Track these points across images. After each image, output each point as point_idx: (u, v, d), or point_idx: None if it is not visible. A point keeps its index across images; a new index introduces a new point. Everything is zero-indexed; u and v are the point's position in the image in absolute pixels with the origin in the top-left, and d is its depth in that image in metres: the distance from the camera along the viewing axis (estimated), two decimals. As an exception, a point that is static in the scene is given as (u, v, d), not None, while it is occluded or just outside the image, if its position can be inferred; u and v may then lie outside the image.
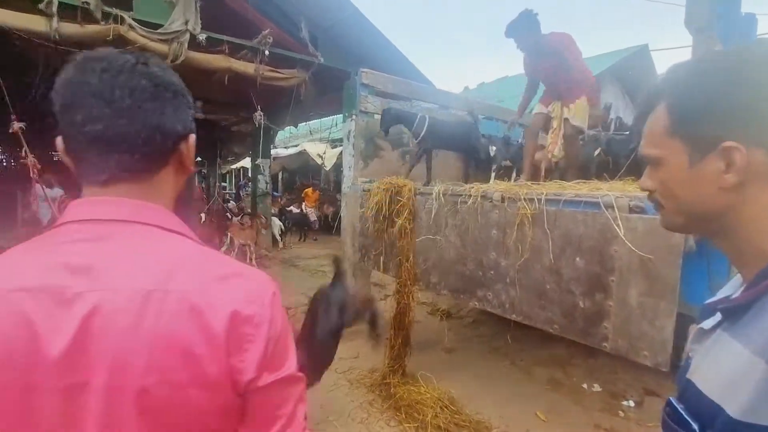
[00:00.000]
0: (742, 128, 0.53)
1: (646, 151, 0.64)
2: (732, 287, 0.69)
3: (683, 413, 0.59)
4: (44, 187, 5.88)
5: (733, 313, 0.57)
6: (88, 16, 3.90)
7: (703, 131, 0.56)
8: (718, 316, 0.60)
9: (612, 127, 9.24)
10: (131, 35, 4.00)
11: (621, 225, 2.07)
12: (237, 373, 0.53)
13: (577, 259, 2.29)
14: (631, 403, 3.36)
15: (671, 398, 0.63)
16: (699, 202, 0.59)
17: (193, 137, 0.66)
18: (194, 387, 0.51)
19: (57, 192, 5.84)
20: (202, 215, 6.92)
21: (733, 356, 0.53)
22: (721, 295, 0.70)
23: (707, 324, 0.62)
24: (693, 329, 0.69)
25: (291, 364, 0.60)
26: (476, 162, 4.48)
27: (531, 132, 3.96)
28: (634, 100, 9.49)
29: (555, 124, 3.54)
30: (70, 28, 3.82)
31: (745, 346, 0.51)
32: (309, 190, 11.45)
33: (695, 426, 0.56)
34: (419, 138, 3.84)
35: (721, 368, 0.55)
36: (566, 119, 3.40)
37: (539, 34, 3.37)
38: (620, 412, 3.27)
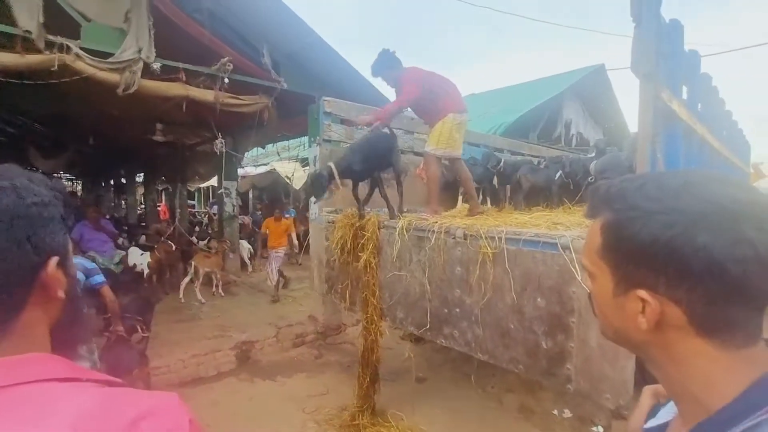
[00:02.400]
0: (666, 282, 0.50)
1: (582, 260, 0.62)
2: (669, 412, 0.66)
3: None
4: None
5: None
6: (30, 46, 3.67)
7: (626, 269, 0.53)
8: None
9: (573, 141, 9.60)
10: (78, 65, 3.78)
11: (578, 267, 2.07)
12: None
13: (538, 299, 2.29)
14: (600, 429, 3.39)
15: None
16: (622, 329, 0.57)
17: (54, 261, 0.56)
18: None
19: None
20: (171, 243, 6.65)
21: None
22: (660, 419, 0.67)
23: None
24: None
25: None
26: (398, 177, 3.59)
27: None
28: (594, 116, 9.88)
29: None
30: (9, 58, 3.57)
31: None
32: (270, 221, 7.06)
33: None
34: (340, 180, 3.25)
35: None
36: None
37: (400, 69, 3.45)
38: (590, 439, 3.29)
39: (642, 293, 0.51)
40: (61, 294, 0.57)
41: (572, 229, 2.44)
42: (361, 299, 3.37)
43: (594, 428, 3.42)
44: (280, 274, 7.00)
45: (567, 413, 3.63)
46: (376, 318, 3.27)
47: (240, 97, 4.84)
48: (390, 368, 4.34)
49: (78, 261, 3.38)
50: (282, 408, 3.70)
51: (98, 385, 0.55)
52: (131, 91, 4.07)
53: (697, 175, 0.53)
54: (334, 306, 5.17)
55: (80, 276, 3.26)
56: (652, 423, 0.68)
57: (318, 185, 3.20)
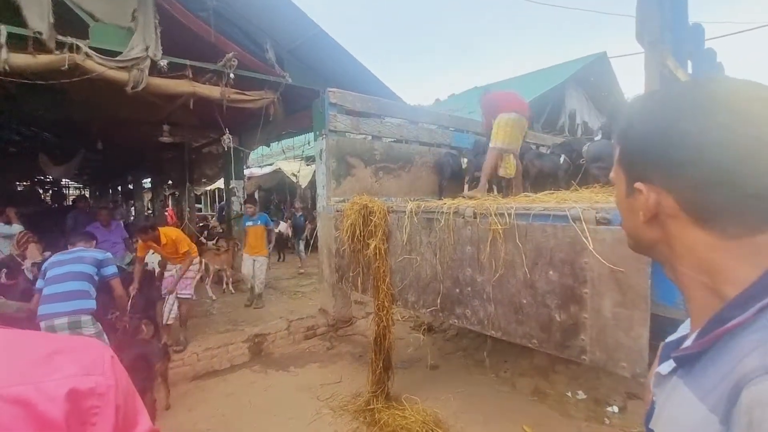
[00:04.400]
0: (658, 173, 0.54)
1: (611, 175, 0.67)
2: (687, 326, 0.67)
3: None
4: (2, 223, 5.59)
5: (687, 362, 0.56)
6: (40, 46, 3.75)
7: (633, 168, 0.59)
8: (672, 362, 0.59)
9: (579, 131, 9.56)
10: (88, 64, 3.85)
11: (589, 237, 2.08)
12: None
13: (550, 272, 2.30)
14: (615, 409, 3.38)
15: None
16: (633, 229, 0.62)
17: None
18: None
19: (16, 228, 5.52)
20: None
21: (689, 410, 0.51)
22: (680, 332, 0.69)
23: (664, 369, 0.60)
24: (653, 371, 0.67)
25: (144, 419, 0.55)
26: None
27: None
28: (597, 105, 9.83)
29: None
30: (22, 59, 3.65)
31: (700, 399, 0.49)
32: (145, 246, 4.43)
33: None
34: None
35: (678, 421, 0.54)
36: None
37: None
38: (605, 419, 3.28)
39: (639, 185, 0.55)
40: None
41: (581, 203, 2.45)
42: (372, 285, 3.39)
43: (609, 408, 3.42)
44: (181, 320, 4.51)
45: (581, 395, 3.62)
46: (387, 304, 3.29)
47: (246, 92, 4.90)
48: (402, 357, 4.37)
49: (90, 253, 3.40)
50: (297, 396, 3.73)
51: (11, 329, 0.54)
52: (140, 88, 4.13)
53: (686, 84, 0.59)
54: (344, 299, 5.21)
55: (90, 269, 3.26)
56: (671, 338, 0.70)
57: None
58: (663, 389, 0.60)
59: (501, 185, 5.01)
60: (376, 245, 3.24)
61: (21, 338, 0.52)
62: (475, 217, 2.66)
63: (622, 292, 2.04)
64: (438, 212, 2.87)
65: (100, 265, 3.32)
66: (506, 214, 2.46)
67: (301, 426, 3.26)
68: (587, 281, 2.14)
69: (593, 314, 2.14)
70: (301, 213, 9.41)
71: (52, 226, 8.18)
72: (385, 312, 3.29)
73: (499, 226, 2.46)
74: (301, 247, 8.90)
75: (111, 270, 3.37)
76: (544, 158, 4.74)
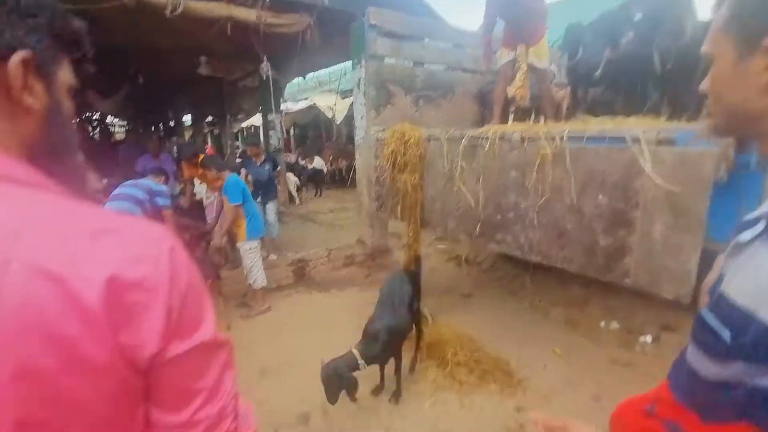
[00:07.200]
0: None
1: (704, 50, 0.65)
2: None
3: (713, 323, 0.59)
4: None
5: None
6: (80, -33, 3.72)
7: (754, 26, 0.55)
8: (759, 227, 0.59)
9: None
10: (127, -14, 3.82)
11: (648, 158, 1.98)
12: (132, 350, 0.42)
13: (600, 196, 2.24)
14: (648, 339, 3.42)
15: (701, 310, 0.64)
16: (741, 100, 0.59)
17: (17, 57, 0.45)
18: (68, 374, 0.40)
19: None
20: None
21: None
22: (760, 211, 0.68)
23: (745, 237, 0.61)
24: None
25: (208, 327, 0.49)
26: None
27: (502, 80, 3.84)
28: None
29: (523, 67, 3.50)
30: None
31: None
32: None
33: (726, 334, 0.56)
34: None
35: (758, 277, 0.55)
36: (532, 65, 3.46)
37: None
38: (637, 347, 3.34)
39: None
40: (31, 102, 0.46)
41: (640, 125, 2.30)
42: (410, 213, 3.44)
43: (642, 338, 3.46)
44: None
45: (614, 325, 3.67)
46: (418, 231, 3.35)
47: (281, 16, 4.74)
48: (436, 285, 4.53)
49: (147, 182, 3.61)
50: (338, 315, 4.01)
51: (66, 196, 0.47)
52: (178, 12, 4.08)
53: None
54: (382, 229, 5.34)
55: (143, 195, 3.43)
56: (750, 216, 0.69)
57: None
58: (738, 257, 0.61)
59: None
60: (414, 172, 3.25)
61: (76, 211, 0.45)
62: (522, 142, 2.57)
63: (676, 216, 1.97)
64: (483, 138, 2.80)
65: (152, 193, 3.50)
66: (557, 137, 2.36)
67: (343, 339, 3.54)
68: (639, 205, 2.08)
69: (642, 238, 2.10)
70: (263, 160, 5.30)
71: (103, 158, 8.73)
72: (417, 244, 3.37)
73: (549, 150, 2.38)
74: (273, 217, 5.33)
75: (162, 201, 3.55)
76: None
